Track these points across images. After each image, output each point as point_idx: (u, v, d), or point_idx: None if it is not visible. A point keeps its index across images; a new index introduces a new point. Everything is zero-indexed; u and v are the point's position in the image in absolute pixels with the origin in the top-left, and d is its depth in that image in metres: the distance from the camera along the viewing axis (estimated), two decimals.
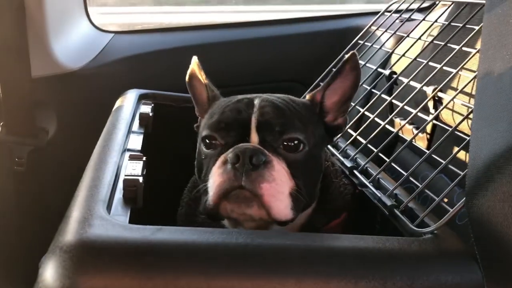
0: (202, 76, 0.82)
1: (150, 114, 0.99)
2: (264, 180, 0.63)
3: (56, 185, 1.37)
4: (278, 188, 0.64)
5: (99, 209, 0.56)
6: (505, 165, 0.59)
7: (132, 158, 0.72)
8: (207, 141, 0.71)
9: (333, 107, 0.78)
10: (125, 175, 0.65)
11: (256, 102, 0.71)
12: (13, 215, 1.36)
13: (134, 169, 0.68)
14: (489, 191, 0.59)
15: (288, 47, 1.47)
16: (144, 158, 0.73)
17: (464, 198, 0.61)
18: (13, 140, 1.29)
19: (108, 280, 0.47)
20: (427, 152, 0.75)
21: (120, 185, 0.65)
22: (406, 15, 1.17)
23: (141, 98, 1.11)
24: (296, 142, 0.68)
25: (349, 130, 0.96)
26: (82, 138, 1.38)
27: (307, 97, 0.78)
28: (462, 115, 0.81)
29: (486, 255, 0.57)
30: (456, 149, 0.73)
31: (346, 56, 0.75)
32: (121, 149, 0.78)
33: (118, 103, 1.10)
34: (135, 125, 0.95)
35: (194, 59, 0.82)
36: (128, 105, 1.05)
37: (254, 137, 0.68)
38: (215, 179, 0.65)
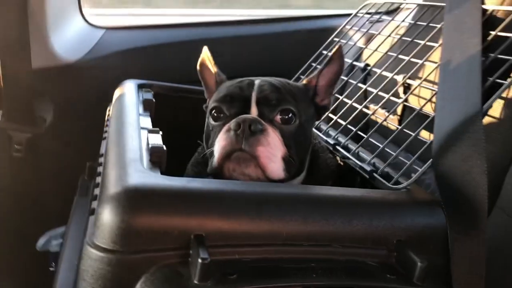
0: (211, 63, 0.95)
1: (153, 100, 1.10)
2: (261, 144, 0.76)
3: (53, 171, 1.46)
4: (272, 152, 0.77)
5: (137, 166, 0.66)
6: (463, 132, 0.74)
7: (151, 132, 0.83)
8: (214, 113, 0.84)
9: (322, 90, 0.92)
10: (151, 144, 0.76)
11: (257, 82, 0.85)
12: (10, 198, 1.43)
13: (156, 140, 0.79)
14: (451, 153, 0.74)
15: (270, 45, 1.61)
16: (161, 133, 0.84)
17: (430, 160, 0.76)
18: (12, 127, 1.36)
19: (157, 219, 0.58)
20: (398, 128, 0.90)
21: (144, 154, 0.76)
22: (376, 17, 1.32)
23: (140, 87, 1.22)
24: (290, 115, 0.82)
25: (330, 115, 1.10)
26: (77, 126, 1.48)
27: (304, 81, 0.92)
28: (426, 99, 0.96)
29: (449, 203, 0.71)
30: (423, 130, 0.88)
31: (333, 51, 0.90)
32: (137, 128, 0.89)
33: (118, 91, 1.19)
34: (140, 110, 1.06)
35: (205, 49, 0.95)
36: (130, 92, 1.15)
37: (254, 110, 0.81)
38: (220, 143, 0.78)
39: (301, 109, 0.84)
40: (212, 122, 0.85)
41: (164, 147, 0.76)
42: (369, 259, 0.64)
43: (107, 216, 0.58)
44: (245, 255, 0.60)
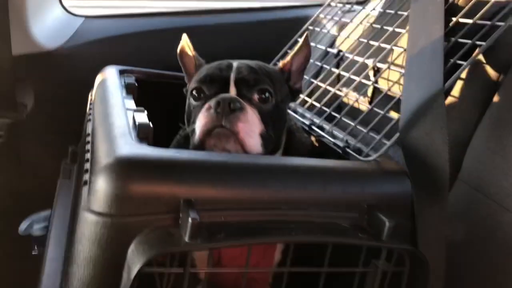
0: (190, 49, 1.00)
1: (136, 84, 1.14)
2: (240, 121, 0.81)
3: (34, 156, 1.48)
4: (250, 128, 0.83)
5: (127, 139, 0.71)
6: (426, 109, 0.81)
7: (136, 111, 0.87)
8: (195, 93, 0.89)
9: (294, 75, 0.98)
10: (138, 121, 0.80)
11: (235, 64, 0.90)
12: None
13: (142, 118, 0.83)
14: (416, 128, 0.81)
15: (248, 33, 1.67)
16: (146, 112, 0.88)
17: (397, 133, 0.83)
18: None
19: (148, 186, 0.63)
20: (369, 107, 0.96)
21: (132, 131, 0.80)
22: (348, 7, 1.39)
23: (121, 73, 1.25)
24: (266, 94, 0.87)
25: (306, 98, 1.16)
26: (58, 111, 1.50)
27: (280, 64, 0.98)
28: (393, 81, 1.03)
29: (414, 172, 0.78)
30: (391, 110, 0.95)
31: (301, 39, 0.96)
32: (123, 108, 0.93)
33: (100, 77, 1.22)
34: (124, 93, 1.09)
35: (184, 36, 1.00)
36: (112, 77, 1.18)
37: (232, 90, 0.87)
38: (201, 121, 0.83)
39: (277, 89, 0.90)
40: (193, 102, 0.90)
41: (151, 124, 0.80)
42: (342, 221, 0.70)
43: (101, 184, 0.62)
44: (230, 217, 0.65)
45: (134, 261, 0.59)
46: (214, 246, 0.62)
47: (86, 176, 0.73)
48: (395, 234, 0.68)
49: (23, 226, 1.41)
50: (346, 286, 0.73)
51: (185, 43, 1.01)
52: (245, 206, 0.66)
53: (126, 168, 0.63)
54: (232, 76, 0.87)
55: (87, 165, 0.78)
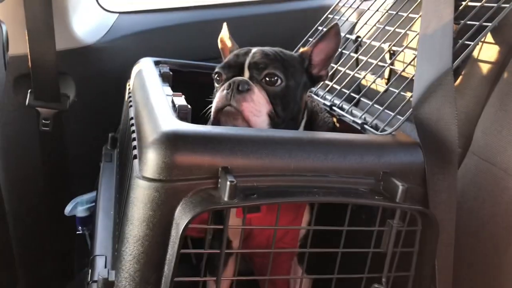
0: (227, 38, 1.12)
1: (171, 73, 1.25)
2: (245, 100, 0.92)
3: (77, 143, 1.61)
4: (255, 107, 0.93)
5: (170, 117, 0.81)
6: (437, 86, 0.89)
7: (175, 95, 0.98)
8: (217, 77, 1.02)
9: (319, 63, 1.06)
10: (177, 104, 0.91)
11: (253, 50, 1.01)
12: (39, 169, 1.58)
13: (180, 101, 0.94)
14: (427, 103, 0.89)
15: (270, 24, 1.77)
16: (183, 96, 0.98)
17: (410, 110, 0.91)
18: (40, 105, 1.51)
19: (191, 156, 0.73)
20: (385, 87, 1.05)
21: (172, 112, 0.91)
22: None
23: (156, 63, 1.36)
24: (275, 78, 0.96)
25: (327, 82, 1.25)
26: (97, 101, 1.63)
27: (300, 51, 1.07)
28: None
29: (426, 144, 0.86)
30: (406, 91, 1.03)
31: (329, 26, 1.04)
32: (162, 93, 1.03)
33: (137, 67, 1.33)
34: (160, 81, 1.20)
35: (224, 26, 1.13)
36: (149, 67, 1.29)
37: (246, 74, 0.97)
38: (215, 100, 0.95)
39: (289, 73, 0.98)
40: (216, 85, 1.02)
41: (189, 106, 0.91)
42: (360, 186, 0.79)
43: (152, 155, 0.73)
44: (261, 183, 0.75)
45: (182, 218, 0.70)
46: (248, 204, 0.72)
47: (135, 152, 0.84)
48: (407, 197, 0.77)
49: (68, 207, 1.54)
50: (365, 247, 0.82)
51: (224, 32, 1.13)
52: (274, 173, 0.76)
53: (172, 141, 0.73)
54: (247, 61, 0.98)
55: (134, 143, 0.89)
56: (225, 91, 0.93)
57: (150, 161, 0.73)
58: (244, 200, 0.70)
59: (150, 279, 0.74)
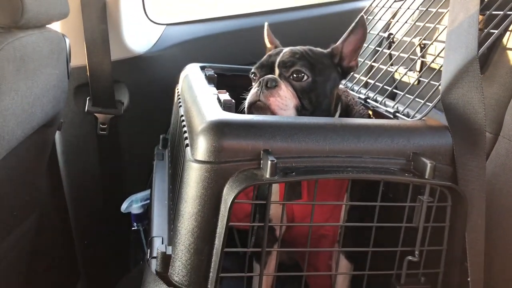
0: (269, 37, 1.24)
1: (215, 75, 1.35)
2: (272, 96, 1.01)
3: (131, 144, 1.75)
4: (282, 101, 1.01)
5: (217, 109, 0.91)
6: (463, 73, 0.95)
7: (220, 92, 1.08)
8: (252, 76, 1.12)
9: (349, 54, 1.13)
10: (222, 99, 1.01)
11: (284, 50, 1.10)
12: (97, 169, 1.73)
13: (225, 97, 1.04)
14: (455, 89, 0.95)
15: (307, 28, 1.86)
16: (227, 93, 1.08)
17: (438, 97, 0.97)
18: (98, 110, 1.66)
19: (236, 141, 0.82)
20: (416, 78, 1.11)
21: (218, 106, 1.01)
22: None
23: (202, 68, 1.47)
24: (302, 74, 1.05)
25: (362, 77, 1.32)
26: (148, 106, 1.76)
27: (331, 46, 1.15)
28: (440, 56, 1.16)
29: (454, 128, 0.92)
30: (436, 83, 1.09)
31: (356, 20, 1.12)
32: (209, 92, 1.14)
33: (184, 73, 1.45)
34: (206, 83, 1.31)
35: (266, 26, 1.23)
36: (196, 71, 1.40)
37: (276, 71, 1.07)
38: (248, 96, 1.05)
39: (317, 70, 1.06)
40: (253, 83, 1.11)
41: (233, 100, 1.01)
42: (391, 165, 0.86)
43: (202, 140, 0.83)
44: (299, 164, 0.83)
45: (229, 194, 0.79)
46: (288, 180, 0.80)
47: (186, 141, 0.94)
48: (436, 175, 0.83)
49: (124, 205, 1.67)
50: (397, 222, 0.89)
51: (266, 32, 1.24)
52: (310, 155, 0.84)
53: (219, 128, 0.83)
54: (277, 61, 1.08)
55: (186, 135, 1.00)
56: (256, 88, 1.03)
57: (201, 146, 0.83)
58: (284, 177, 0.78)
59: (203, 251, 0.83)
